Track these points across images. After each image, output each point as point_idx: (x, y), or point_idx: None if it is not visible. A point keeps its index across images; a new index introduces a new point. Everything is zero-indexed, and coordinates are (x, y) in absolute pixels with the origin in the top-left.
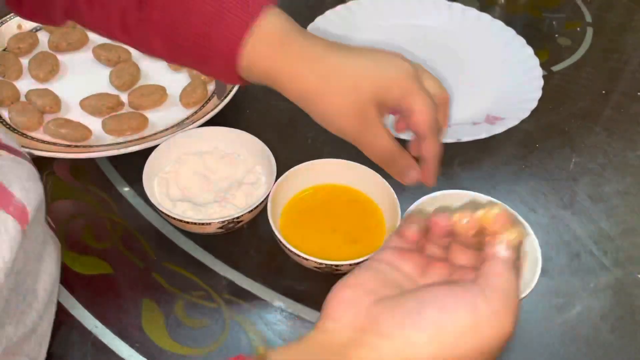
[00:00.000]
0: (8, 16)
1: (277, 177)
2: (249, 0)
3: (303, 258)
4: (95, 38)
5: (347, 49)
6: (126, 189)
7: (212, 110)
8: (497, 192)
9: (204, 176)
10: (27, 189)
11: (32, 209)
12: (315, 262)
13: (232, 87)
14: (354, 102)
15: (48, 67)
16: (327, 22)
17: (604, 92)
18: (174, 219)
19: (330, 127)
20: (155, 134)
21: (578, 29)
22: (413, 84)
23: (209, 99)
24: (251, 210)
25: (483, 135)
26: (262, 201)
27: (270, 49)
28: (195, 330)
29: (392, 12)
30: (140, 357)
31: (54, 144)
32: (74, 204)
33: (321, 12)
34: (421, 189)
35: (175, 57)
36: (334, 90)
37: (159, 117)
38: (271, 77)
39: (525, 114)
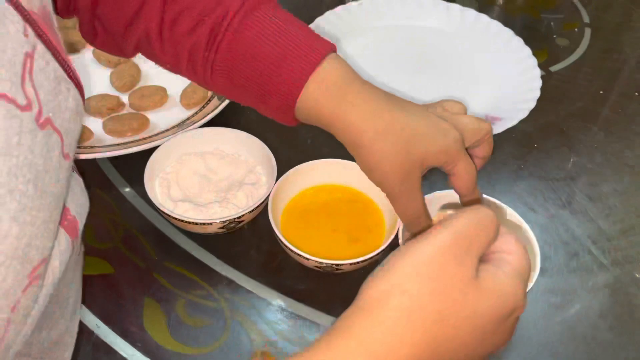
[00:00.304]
0: None
1: (278, 177)
2: (311, 46)
3: (304, 257)
4: None
5: (401, 106)
6: (127, 189)
7: (212, 111)
8: (496, 192)
9: (205, 176)
10: (80, 204)
11: (82, 223)
12: (316, 261)
13: None
14: (402, 163)
15: None
16: (326, 23)
17: (602, 92)
18: (175, 219)
19: (371, 178)
20: (156, 134)
21: (576, 29)
22: (458, 151)
23: (210, 100)
24: (252, 210)
25: None
26: (263, 201)
27: (327, 97)
28: (197, 329)
29: (391, 13)
30: (142, 356)
31: None
32: None
33: (320, 13)
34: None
35: (235, 95)
36: (387, 149)
37: (159, 118)
38: (327, 123)
39: (524, 114)
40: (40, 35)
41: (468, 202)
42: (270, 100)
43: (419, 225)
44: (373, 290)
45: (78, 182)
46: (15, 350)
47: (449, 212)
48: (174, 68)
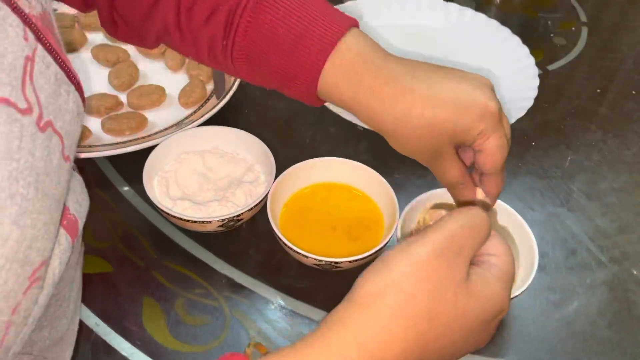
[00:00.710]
0: None
1: (277, 175)
2: (327, 26)
3: (302, 255)
4: (93, 38)
5: (425, 82)
6: (126, 188)
7: (211, 109)
8: None
9: (203, 175)
10: (80, 203)
11: (82, 223)
12: (315, 259)
13: (231, 87)
14: (426, 144)
15: None
16: None
17: (599, 90)
18: (174, 217)
19: (403, 153)
20: (154, 133)
21: (573, 28)
22: (491, 126)
23: (208, 99)
24: (251, 209)
25: None
26: (262, 199)
27: (346, 81)
28: (196, 327)
29: (389, 12)
30: (142, 354)
31: None
32: None
33: None
34: (419, 187)
35: (259, 81)
36: (409, 133)
37: (158, 117)
38: (348, 107)
39: (522, 112)
40: (40, 38)
41: (492, 184)
42: (292, 86)
43: (460, 192)
44: (369, 286)
45: (78, 180)
46: (16, 351)
47: (443, 211)
48: (196, 57)
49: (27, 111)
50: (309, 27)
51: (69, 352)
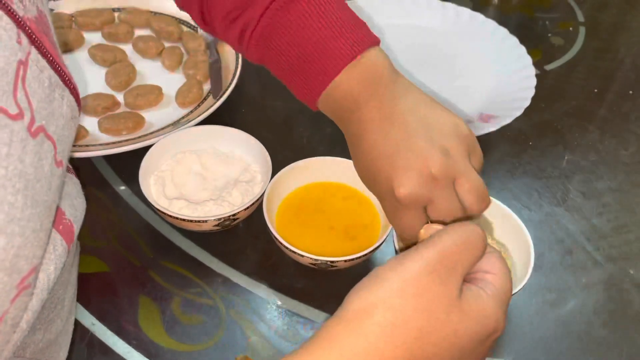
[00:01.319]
0: None
1: (273, 175)
2: (328, 59)
3: (298, 255)
4: (91, 38)
5: (383, 141)
6: (122, 187)
7: (207, 109)
8: (491, 190)
9: (200, 175)
10: (76, 207)
11: (78, 227)
12: (311, 258)
13: (228, 87)
14: (378, 193)
15: None
16: None
17: (596, 90)
18: (171, 216)
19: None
20: (151, 133)
21: (570, 28)
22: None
23: (205, 99)
24: (247, 208)
25: (477, 134)
26: (258, 199)
27: (336, 114)
28: (192, 327)
29: (386, 13)
30: (137, 354)
31: None
32: None
33: None
34: None
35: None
36: (365, 178)
37: (155, 117)
38: (341, 126)
39: (519, 112)
40: (34, 41)
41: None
42: (297, 96)
43: (405, 240)
44: (358, 301)
45: (74, 184)
46: (6, 357)
47: (437, 226)
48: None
49: (17, 116)
50: (308, 61)
51: (63, 353)
